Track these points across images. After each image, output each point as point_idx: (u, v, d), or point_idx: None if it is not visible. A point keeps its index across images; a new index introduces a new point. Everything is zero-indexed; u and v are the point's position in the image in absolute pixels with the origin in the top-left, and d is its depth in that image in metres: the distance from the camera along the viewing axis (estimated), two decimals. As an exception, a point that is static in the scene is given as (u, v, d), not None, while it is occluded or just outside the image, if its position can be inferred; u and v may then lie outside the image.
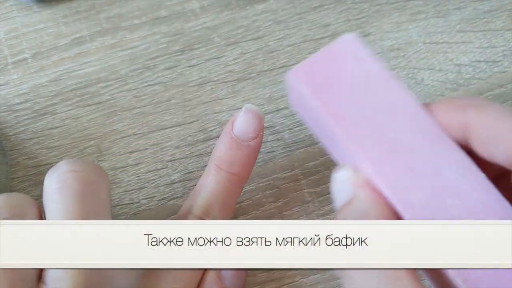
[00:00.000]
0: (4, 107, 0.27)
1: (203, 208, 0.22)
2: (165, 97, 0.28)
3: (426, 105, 0.18)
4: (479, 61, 0.29)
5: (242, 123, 0.22)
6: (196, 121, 0.27)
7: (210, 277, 0.21)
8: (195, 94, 0.28)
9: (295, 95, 0.20)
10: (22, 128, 0.27)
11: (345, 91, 0.18)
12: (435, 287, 0.18)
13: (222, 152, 0.22)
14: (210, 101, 0.28)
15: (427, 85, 0.28)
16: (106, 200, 0.20)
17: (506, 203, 0.16)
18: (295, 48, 0.29)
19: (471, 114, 0.17)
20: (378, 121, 0.17)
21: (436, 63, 0.28)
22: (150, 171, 0.26)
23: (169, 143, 0.27)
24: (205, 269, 0.22)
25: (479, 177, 0.16)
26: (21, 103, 0.27)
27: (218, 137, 0.27)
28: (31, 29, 0.29)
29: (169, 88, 0.28)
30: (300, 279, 0.24)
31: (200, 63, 0.29)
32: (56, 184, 0.19)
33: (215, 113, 0.27)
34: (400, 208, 0.16)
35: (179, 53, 0.29)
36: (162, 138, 0.27)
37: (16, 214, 0.19)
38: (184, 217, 0.22)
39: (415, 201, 0.16)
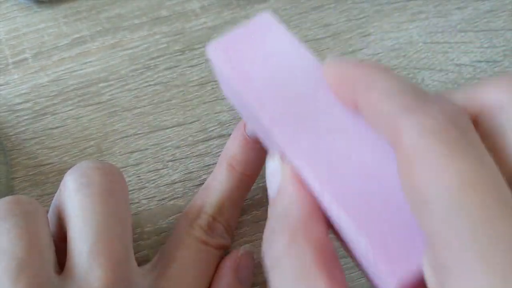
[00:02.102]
0: (4, 107, 0.27)
1: (215, 207, 0.22)
2: (166, 97, 0.28)
3: (326, 65, 0.17)
4: (480, 61, 0.28)
5: None
6: (196, 121, 0.27)
7: (227, 280, 0.22)
8: (195, 94, 0.28)
9: (217, 72, 0.20)
10: (23, 128, 0.27)
11: (260, 66, 0.18)
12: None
13: (235, 152, 0.23)
14: (211, 101, 0.28)
15: (427, 85, 0.28)
16: (128, 199, 0.21)
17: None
18: (296, 48, 0.29)
19: (359, 92, 0.15)
20: (292, 96, 0.17)
21: (437, 63, 0.28)
22: (150, 171, 0.26)
23: (170, 143, 0.27)
24: (219, 270, 0.22)
25: (370, 135, 0.16)
26: (21, 103, 0.27)
27: (218, 137, 0.27)
28: (31, 29, 0.29)
29: (170, 88, 0.28)
30: (300, 279, 0.24)
31: (201, 63, 0.29)
32: (83, 179, 0.19)
33: (216, 113, 0.27)
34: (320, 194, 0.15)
35: (179, 53, 0.29)
36: (162, 138, 0.27)
37: (28, 211, 0.19)
38: (196, 215, 0.22)
39: (320, 162, 0.16)
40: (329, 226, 0.16)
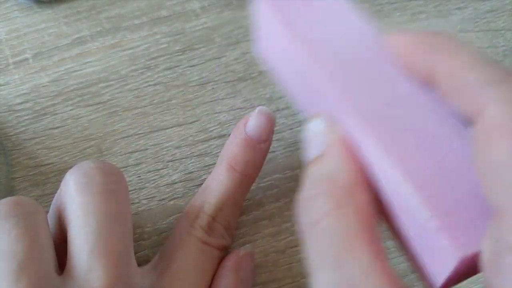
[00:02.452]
0: (5, 107, 0.27)
1: (215, 207, 0.22)
2: (166, 97, 0.28)
3: (389, 36, 0.16)
4: (480, 61, 0.28)
5: (255, 125, 0.23)
6: (196, 121, 0.27)
7: (228, 280, 0.21)
8: (195, 94, 0.28)
9: (262, 25, 0.19)
10: (23, 128, 0.27)
11: (316, 24, 0.17)
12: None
13: (235, 152, 0.23)
14: (211, 101, 0.28)
15: (428, 85, 0.28)
16: (128, 198, 0.21)
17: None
18: (296, 48, 0.29)
19: (440, 58, 0.15)
20: (351, 59, 0.16)
21: (437, 63, 0.28)
22: (150, 171, 0.26)
23: (170, 143, 0.27)
24: (220, 270, 0.22)
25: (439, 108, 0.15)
26: (22, 103, 0.27)
27: (219, 137, 0.27)
28: (32, 29, 0.29)
29: (170, 88, 0.28)
30: (300, 279, 0.24)
31: (201, 63, 0.29)
32: (84, 179, 0.19)
33: (216, 113, 0.27)
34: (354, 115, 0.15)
35: (179, 53, 0.29)
36: (162, 138, 0.27)
37: (29, 212, 0.19)
38: (196, 215, 0.22)
39: (374, 119, 0.15)
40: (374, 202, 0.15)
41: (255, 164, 0.23)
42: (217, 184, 0.23)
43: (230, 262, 0.22)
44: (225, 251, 0.23)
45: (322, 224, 0.14)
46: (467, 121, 0.14)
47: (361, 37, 0.17)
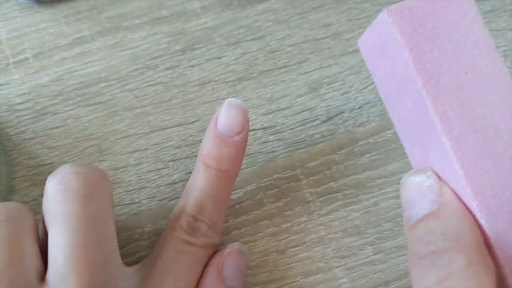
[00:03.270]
0: (5, 107, 0.27)
1: (195, 207, 0.22)
2: (166, 97, 0.28)
3: None
4: (481, 61, 0.28)
5: (225, 119, 0.22)
6: (197, 121, 0.27)
7: (210, 278, 0.21)
8: (196, 94, 0.28)
9: (380, 39, 0.17)
10: (23, 128, 0.27)
11: (442, 48, 0.16)
12: None
13: (209, 149, 0.22)
14: (211, 101, 0.28)
15: (428, 85, 0.28)
16: (110, 202, 0.20)
17: None
18: (296, 48, 0.29)
19: None
20: (469, 92, 0.15)
21: (438, 63, 0.28)
22: (151, 171, 0.26)
23: (170, 143, 0.27)
24: (205, 269, 0.22)
25: None
26: (22, 103, 0.27)
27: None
28: (32, 29, 0.29)
29: (170, 88, 0.28)
30: (300, 279, 0.24)
31: (201, 63, 0.29)
32: (60, 186, 0.19)
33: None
34: (471, 192, 0.15)
35: (180, 53, 0.29)
36: (163, 138, 0.27)
37: (13, 218, 0.19)
38: (178, 217, 0.22)
39: (487, 190, 0.14)
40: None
41: (230, 159, 0.22)
42: (195, 183, 0.22)
43: (213, 260, 0.22)
44: (213, 249, 0.23)
45: (453, 279, 0.14)
46: None
47: (486, 67, 0.16)
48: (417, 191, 0.16)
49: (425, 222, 0.16)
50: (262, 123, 0.27)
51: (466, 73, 0.16)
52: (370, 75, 0.28)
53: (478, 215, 0.15)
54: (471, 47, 0.16)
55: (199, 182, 0.22)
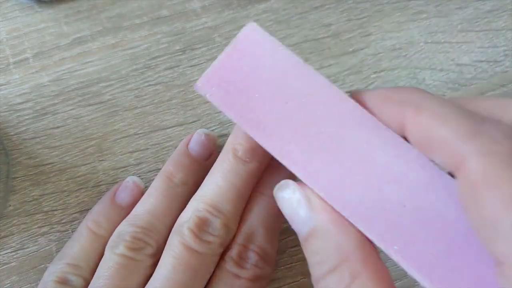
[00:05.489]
0: (5, 107, 0.27)
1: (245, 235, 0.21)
2: (166, 97, 0.28)
3: (354, 93, 0.16)
4: (481, 61, 0.28)
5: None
6: (197, 121, 0.27)
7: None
8: (196, 94, 0.28)
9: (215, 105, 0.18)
10: (24, 128, 0.27)
11: (257, 92, 0.16)
12: None
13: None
14: (211, 101, 0.28)
15: (428, 85, 0.28)
16: None
17: (445, 176, 0.15)
18: (297, 48, 0.29)
19: (408, 114, 0.15)
20: (301, 118, 0.16)
21: (438, 63, 0.28)
22: (151, 171, 0.26)
23: (170, 143, 0.27)
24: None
25: (413, 154, 0.15)
26: (22, 102, 0.27)
27: (219, 137, 0.27)
28: (32, 29, 0.29)
29: (170, 88, 0.28)
30: (301, 279, 0.24)
31: (201, 63, 0.29)
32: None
33: (216, 113, 0.27)
34: (338, 210, 0.15)
35: (180, 53, 0.29)
36: (163, 138, 0.27)
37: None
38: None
39: (352, 199, 0.15)
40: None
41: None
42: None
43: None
44: (266, 281, 0.22)
45: None
46: (447, 171, 0.15)
47: (307, 87, 0.16)
48: (290, 209, 0.16)
49: (310, 241, 0.15)
50: (262, 123, 0.27)
51: (286, 103, 0.16)
52: (370, 75, 0.28)
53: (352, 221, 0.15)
54: (282, 76, 0.16)
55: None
